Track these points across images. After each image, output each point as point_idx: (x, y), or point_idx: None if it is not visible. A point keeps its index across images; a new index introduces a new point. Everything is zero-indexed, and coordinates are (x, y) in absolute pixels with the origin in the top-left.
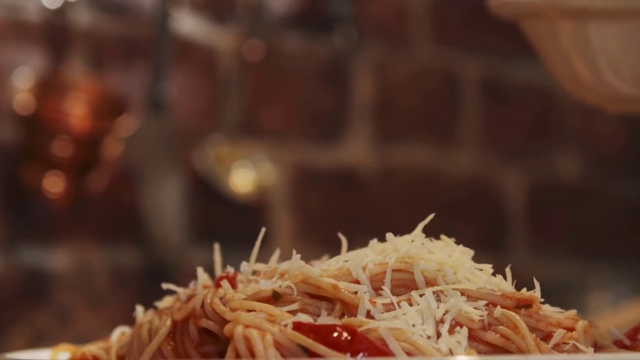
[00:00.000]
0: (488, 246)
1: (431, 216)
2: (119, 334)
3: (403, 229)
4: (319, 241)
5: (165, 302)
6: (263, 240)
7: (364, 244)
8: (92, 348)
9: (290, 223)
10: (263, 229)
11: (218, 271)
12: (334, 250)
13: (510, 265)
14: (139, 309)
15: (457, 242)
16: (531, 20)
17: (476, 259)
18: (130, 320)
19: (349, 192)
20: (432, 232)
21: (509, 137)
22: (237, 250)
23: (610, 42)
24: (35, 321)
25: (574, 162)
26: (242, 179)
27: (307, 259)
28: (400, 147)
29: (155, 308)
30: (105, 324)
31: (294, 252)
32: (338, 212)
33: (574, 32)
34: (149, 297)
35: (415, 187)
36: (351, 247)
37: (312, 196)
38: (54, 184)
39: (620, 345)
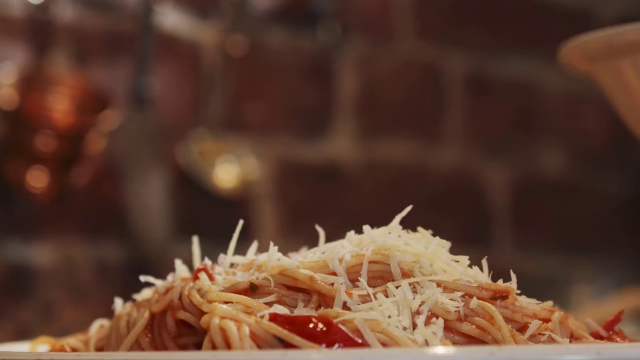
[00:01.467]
0: (472, 240)
1: (409, 208)
2: (98, 326)
3: (386, 223)
4: (303, 235)
5: (144, 295)
6: (248, 234)
7: None
8: (71, 340)
9: (274, 217)
10: (241, 222)
11: (197, 264)
12: (318, 243)
13: (486, 257)
14: (118, 302)
15: (441, 236)
16: (598, 63)
17: (460, 252)
18: (112, 314)
19: (332, 186)
20: (416, 225)
21: (492, 132)
22: (221, 245)
23: None
24: (19, 315)
25: (557, 156)
26: (226, 174)
27: (290, 252)
28: (384, 142)
29: (134, 301)
30: (88, 317)
31: (271, 244)
32: (322, 206)
33: (636, 66)
34: (133, 291)
35: (399, 182)
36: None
37: (296, 190)
38: (37, 179)
39: (597, 337)
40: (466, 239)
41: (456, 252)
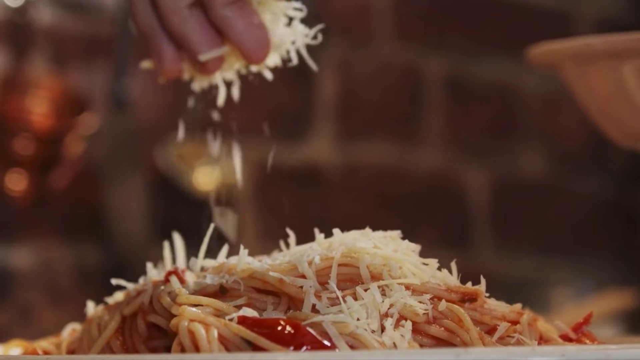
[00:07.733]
0: (451, 242)
1: None
2: (71, 329)
3: (366, 224)
4: (283, 237)
5: (116, 298)
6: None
7: None
8: (43, 343)
9: (254, 220)
10: (212, 225)
11: (168, 267)
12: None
13: (465, 259)
14: (90, 305)
15: (421, 238)
16: (567, 66)
17: (439, 254)
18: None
19: (312, 189)
20: (395, 227)
21: (472, 134)
22: (200, 247)
23: None
24: None
25: (537, 158)
26: (205, 177)
27: (260, 256)
28: (364, 144)
29: (106, 304)
30: (67, 320)
31: (242, 247)
32: (302, 209)
33: (612, 74)
34: (111, 294)
35: (379, 184)
36: None
37: (275, 193)
38: (15, 182)
39: (566, 339)
40: (446, 241)
41: (436, 253)
